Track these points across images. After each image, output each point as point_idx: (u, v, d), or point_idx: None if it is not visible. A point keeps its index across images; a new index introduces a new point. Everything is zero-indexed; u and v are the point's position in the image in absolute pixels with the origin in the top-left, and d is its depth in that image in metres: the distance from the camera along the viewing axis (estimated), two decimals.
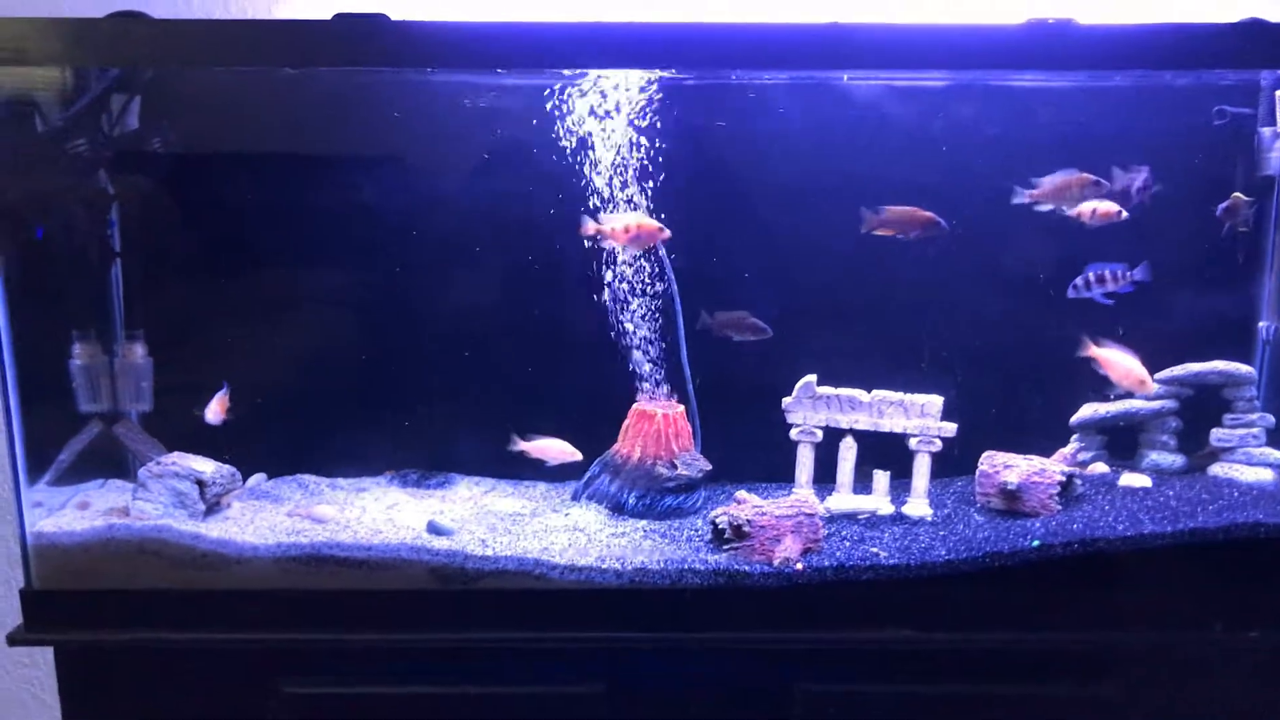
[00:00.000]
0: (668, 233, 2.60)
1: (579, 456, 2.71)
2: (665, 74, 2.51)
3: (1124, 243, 2.60)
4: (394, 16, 2.18)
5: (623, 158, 2.64)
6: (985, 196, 2.62)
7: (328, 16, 2.19)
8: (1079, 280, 2.60)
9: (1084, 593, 2.39)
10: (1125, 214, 2.54)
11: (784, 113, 2.67)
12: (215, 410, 2.59)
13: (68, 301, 2.70)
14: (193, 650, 2.36)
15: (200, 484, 2.46)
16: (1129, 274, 2.57)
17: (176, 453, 2.56)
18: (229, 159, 2.72)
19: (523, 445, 2.71)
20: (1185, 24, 2.28)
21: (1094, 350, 2.62)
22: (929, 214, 2.57)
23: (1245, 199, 2.59)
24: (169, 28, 2.29)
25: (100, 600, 2.36)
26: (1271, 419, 2.69)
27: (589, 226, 2.60)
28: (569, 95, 2.56)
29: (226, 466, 2.55)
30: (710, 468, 2.72)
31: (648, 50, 2.27)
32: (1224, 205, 2.60)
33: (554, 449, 2.71)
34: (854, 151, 2.70)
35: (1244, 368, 2.69)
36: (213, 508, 2.52)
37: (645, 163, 2.65)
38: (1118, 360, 2.60)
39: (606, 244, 2.64)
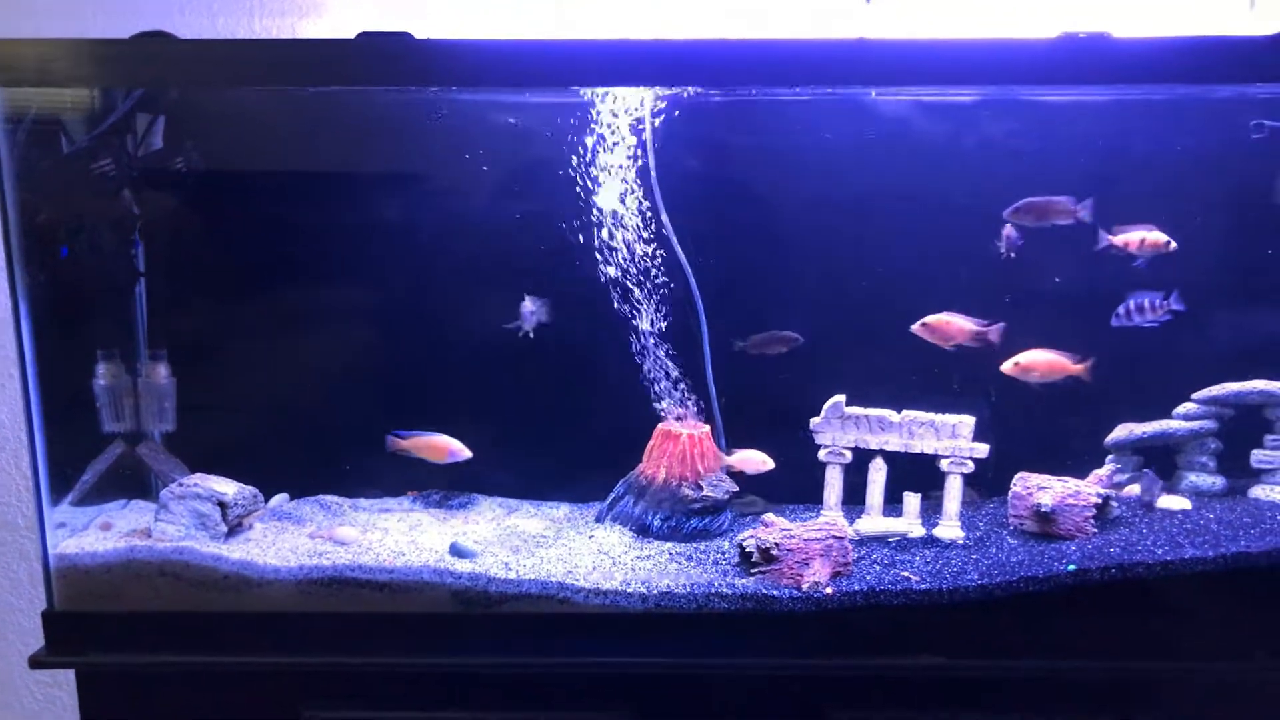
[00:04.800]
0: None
1: (771, 465, 2.70)
2: (690, 91, 2.50)
3: (1165, 259, 2.56)
4: (418, 35, 2.17)
5: (648, 174, 2.62)
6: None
7: (352, 35, 2.18)
8: (1120, 309, 2.57)
9: (1122, 619, 2.32)
10: (1174, 245, 2.52)
11: (816, 129, 2.65)
12: None
13: (92, 321, 2.70)
14: (214, 673, 2.34)
15: (222, 505, 2.45)
16: (1165, 303, 2.53)
17: (198, 474, 2.54)
18: (252, 178, 2.72)
19: (728, 460, 2.71)
20: (1220, 37, 2.23)
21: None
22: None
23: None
24: (194, 48, 2.30)
25: (122, 622, 2.34)
26: None
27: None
28: (593, 112, 2.54)
29: (248, 487, 2.54)
30: (736, 489, 2.68)
31: (673, 67, 2.24)
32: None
33: (753, 460, 2.70)
34: (883, 167, 2.66)
35: None
36: (234, 529, 2.50)
37: (670, 179, 2.64)
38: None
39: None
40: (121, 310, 2.71)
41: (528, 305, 2.62)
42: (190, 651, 2.31)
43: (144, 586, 2.34)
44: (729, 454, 2.73)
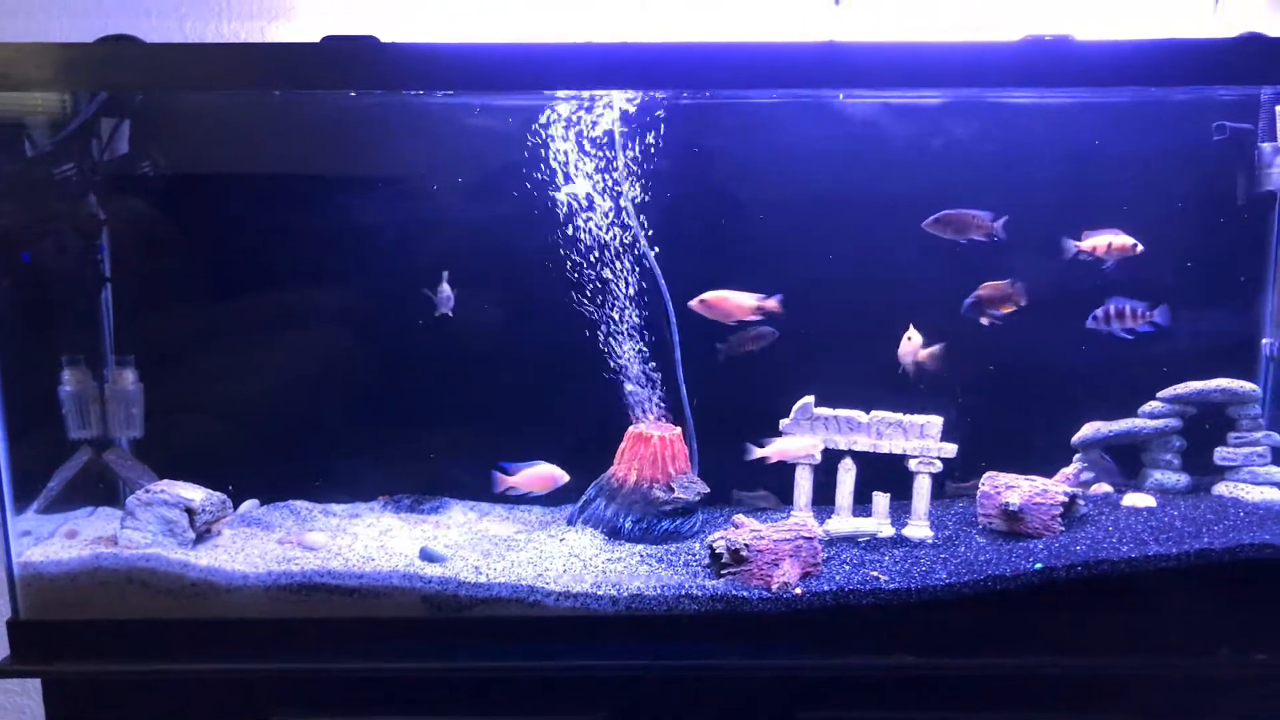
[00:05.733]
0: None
1: (820, 447, 2.60)
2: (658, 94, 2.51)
3: (1129, 261, 2.58)
4: (383, 39, 2.17)
5: (614, 178, 2.62)
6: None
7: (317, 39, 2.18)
8: (1099, 312, 2.60)
9: (1089, 616, 2.34)
10: (1141, 248, 2.54)
11: (785, 131, 2.66)
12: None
13: (57, 327, 2.67)
14: (182, 681, 2.32)
15: (189, 512, 2.43)
16: (1149, 314, 2.55)
17: (166, 480, 2.52)
18: (219, 182, 2.70)
19: (760, 453, 2.59)
20: (1184, 40, 2.27)
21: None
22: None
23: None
24: (159, 52, 2.28)
25: (88, 631, 2.32)
26: (1277, 437, 2.65)
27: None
28: (561, 117, 2.54)
29: (216, 494, 2.52)
30: (708, 490, 2.69)
31: (641, 70, 2.25)
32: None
33: (796, 447, 2.58)
34: (853, 170, 2.68)
35: (1248, 385, 2.66)
36: (203, 535, 2.48)
37: (638, 181, 2.64)
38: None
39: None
40: (87, 316, 2.68)
41: (445, 288, 2.55)
42: (158, 659, 2.29)
43: (111, 594, 2.32)
44: (761, 445, 2.61)
